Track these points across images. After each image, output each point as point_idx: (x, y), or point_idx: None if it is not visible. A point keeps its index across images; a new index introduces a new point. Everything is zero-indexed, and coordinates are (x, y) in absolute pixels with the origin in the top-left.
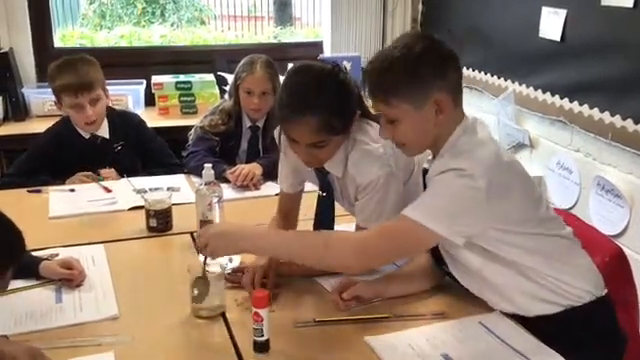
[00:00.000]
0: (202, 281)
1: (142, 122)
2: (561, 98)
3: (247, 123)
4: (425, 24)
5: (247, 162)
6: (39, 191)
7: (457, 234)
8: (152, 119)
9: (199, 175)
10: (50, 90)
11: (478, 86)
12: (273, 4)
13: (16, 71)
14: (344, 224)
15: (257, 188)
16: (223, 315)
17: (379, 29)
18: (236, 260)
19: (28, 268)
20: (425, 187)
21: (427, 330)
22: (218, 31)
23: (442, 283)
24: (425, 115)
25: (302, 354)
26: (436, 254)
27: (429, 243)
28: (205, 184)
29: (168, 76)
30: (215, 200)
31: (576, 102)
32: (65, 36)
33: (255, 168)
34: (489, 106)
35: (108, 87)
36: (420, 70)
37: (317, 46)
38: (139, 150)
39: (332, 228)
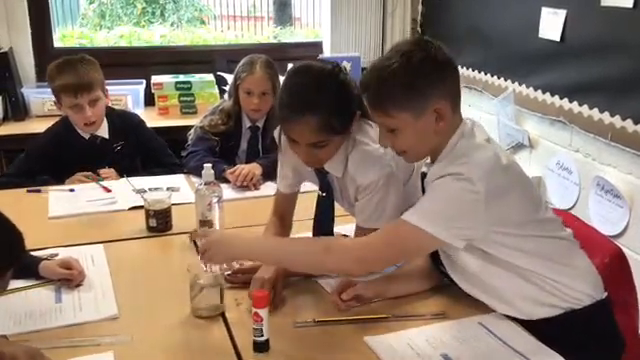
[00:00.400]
0: (201, 281)
1: (142, 122)
2: (561, 98)
3: (247, 123)
4: (425, 24)
5: (247, 162)
6: (39, 191)
7: (457, 238)
8: (152, 119)
9: (199, 175)
10: (50, 90)
11: (478, 86)
12: (273, 4)
13: (16, 71)
14: (344, 224)
15: (257, 188)
16: (223, 315)
17: (379, 29)
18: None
19: (28, 268)
20: (424, 191)
21: (427, 330)
22: (218, 31)
23: (442, 284)
24: (425, 123)
25: (302, 354)
26: (435, 256)
27: (429, 247)
28: (205, 184)
29: (168, 76)
30: (215, 200)
31: (576, 102)
32: (65, 36)
33: (255, 168)
34: (489, 106)
35: (108, 87)
36: (419, 80)
37: (317, 46)
38: (139, 150)
39: (332, 228)
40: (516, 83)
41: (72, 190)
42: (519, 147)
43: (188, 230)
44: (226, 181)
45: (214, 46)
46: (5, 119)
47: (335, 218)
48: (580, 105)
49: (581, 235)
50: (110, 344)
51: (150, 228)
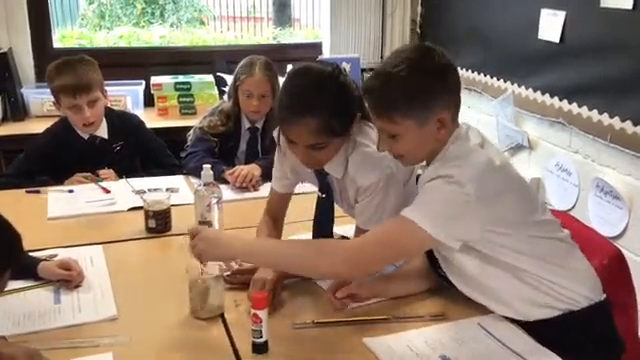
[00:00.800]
0: (200, 282)
1: (141, 123)
2: (560, 99)
3: (246, 124)
4: (424, 26)
5: (246, 163)
6: (38, 192)
7: (452, 238)
8: (151, 120)
9: (198, 176)
10: (49, 90)
11: (477, 87)
12: (272, 5)
13: (15, 71)
14: (343, 226)
15: (256, 189)
16: (222, 316)
17: (378, 30)
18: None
19: (26, 269)
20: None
21: (426, 331)
22: (217, 32)
23: (440, 286)
24: (427, 131)
25: (301, 356)
26: (432, 259)
27: (424, 247)
28: (204, 185)
29: (167, 77)
30: (214, 201)
31: (575, 103)
32: (64, 36)
33: (254, 169)
34: (488, 107)
35: (107, 88)
36: (426, 90)
37: (316, 47)
38: (138, 151)
39: (331, 230)
40: (515, 84)
41: (71, 191)
42: (518, 148)
43: (187, 231)
44: (225, 182)
45: (214, 47)
46: (4, 119)
47: (335, 219)
48: (579, 106)
49: (580, 236)
50: (109, 345)
51: (149, 229)
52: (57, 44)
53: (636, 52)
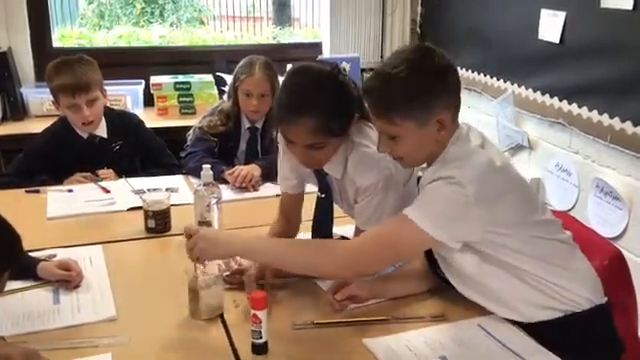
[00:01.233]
0: (200, 282)
1: (141, 122)
2: (560, 100)
3: (246, 124)
4: (424, 26)
5: (246, 163)
6: (37, 191)
7: (452, 239)
8: (151, 119)
9: (198, 176)
10: (48, 90)
11: (477, 88)
12: (272, 5)
13: (15, 71)
14: (343, 226)
15: (256, 189)
16: (221, 317)
17: (378, 30)
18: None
19: (26, 269)
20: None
21: (426, 332)
22: (217, 31)
23: (439, 287)
24: (427, 132)
25: (300, 356)
26: (431, 260)
27: (424, 248)
28: (204, 185)
29: (167, 76)
30: (214, 201)
31: (575, 104)
32: (64, 36)
33: (254, 169)
34: (488, 108)
35: (107, 87)
36: (425, 92)
37: (316, 47)
38: (138, 150)
39: (331, 230)
40: (515, 85)
41: (71, 191)
42: (518, 148)
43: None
44: (225, 182)
45: (213, 46)
46: (4, 119)
47: (334, 220)
48: (579, 107)
49: (580, 237)
50: (108, 345)
51: (149, 229)
52: (57, 44)
53: (636, 53)
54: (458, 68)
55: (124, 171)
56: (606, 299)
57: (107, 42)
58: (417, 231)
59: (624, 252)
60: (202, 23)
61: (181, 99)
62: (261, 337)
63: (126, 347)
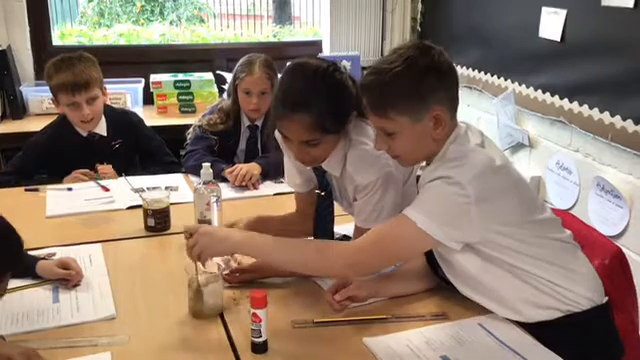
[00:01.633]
0: (199, 281)
1: (141, 120)
2: (561, 98)
3: (246, 122)
4: (424, 23)
5: (245, 161)
6: (36, 190)
7: (452, 240)
8: (150, 118)
9: (197, 174)
10: (48, 88)
11: (478, 86)
12: (272, 3)
13: (14, 69)
14: (343, 224)
15: (256, 188)
16: (221, 315)
17: (378, 28)
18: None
19: (25, 268)
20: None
21: (426, 331)
22: (217, 30)
23: (439, 286)
24: (423, 128)
25: (300, 355)
26: (431, 260)
27: (424, 249)
28: (204, 183)
29: (167, 75)
30: (214, 200)
31: (576, 102)
32: (64, 34)
33: (253, 168)
34: (489, 106)
35: (106, 86)
36: (420, 86)
37: (316, 45)
38: (137, 148)
39: (331, 228)
40: (516, 83)
41: (70, 189)
42: (519, 147)
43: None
44: (225, 180)
45: (213, 45)
46: (3, 117)
47: (335, 217)
48: (580, 105)
49: (581, 235)
50: (107, 344)
51: (148, 228)
52: (56, 42)
53: (637, 51)
54: (458, 66)
55: (123, 169)
56: (606, 299)
57: (107, 40)
58: (417, 232)
59: (625, 250)
60: (202, 21)
61: (181, 97)
62: (261, 336)
63: (125, 346)
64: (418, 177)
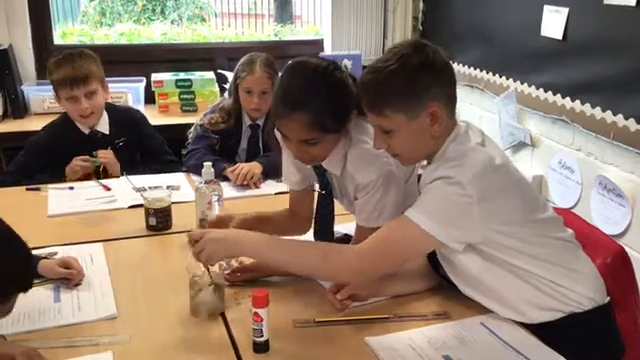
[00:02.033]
0: (201, 280)
1: (143, 117)
2: (563, 97)
3: (247, 121)
4: (426, 22)
5: (247, 161)
6: (38, 189)
7: (455, 241)
8: (152, 117)
9: (199, 173)
10: (50, 87)
11: (479, 85)
12: (274, 2)
13: (15, 68)
14: (345, 223)
15: (257, 187)
16: (222, 315)
17: (380, 27)
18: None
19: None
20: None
21: (428, 331)
22: (218, 29)
23: (440, 285)
24: (419, 126)
25: (302, 354)
26: (432, 259)
27: (428, 250)
28: (205, 182)
29: (168, 74)
30: (215, 199)
31: (578, 101)
32: (65, 33)
33: (255, 167)
34: (490, 105)
35: (108, 85)
36: (415, 83)
37: (317, 44)
38: (138, 146)
39: (332, 227)
40: (518, 82)
41: (71, 188)
42: (521, 146)
43: (188, 229)
44: (226, 179)
45: (215, 44)
46: (5, 116)
47: (335, 217)
48: (582, 104)
49: (583, 234)
50: (109, 344)
51: (150, 227)
52: (58, 41)
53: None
54: (460, 65)
55: (125, 167)
56: (608, 298)
57: (108, 39)
58: (420, 233)
59: (627, 249)
60: (203, 20)
61: (182, 96)
62: (262, 335)
63: (127, 345)
64: (419, 176)
